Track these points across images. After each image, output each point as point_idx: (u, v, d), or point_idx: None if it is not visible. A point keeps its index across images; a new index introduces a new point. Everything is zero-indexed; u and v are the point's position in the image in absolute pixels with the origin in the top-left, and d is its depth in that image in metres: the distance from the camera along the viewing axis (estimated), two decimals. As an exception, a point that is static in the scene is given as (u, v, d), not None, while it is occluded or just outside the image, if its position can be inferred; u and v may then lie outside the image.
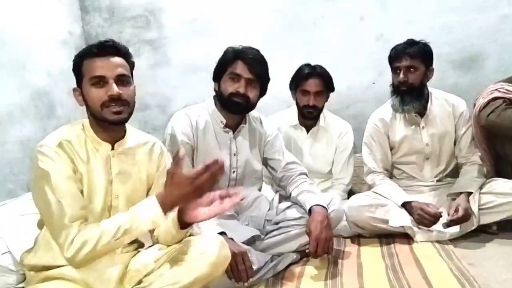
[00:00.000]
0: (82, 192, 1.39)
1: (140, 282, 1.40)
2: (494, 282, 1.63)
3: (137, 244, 1.54)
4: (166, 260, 1.42)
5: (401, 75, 2.25)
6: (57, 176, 1.33)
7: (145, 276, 1.40)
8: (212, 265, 1.39)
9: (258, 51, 1.97)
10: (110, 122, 1.40)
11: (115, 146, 1.48)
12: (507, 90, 2.18)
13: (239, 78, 1.90)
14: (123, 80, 1.42)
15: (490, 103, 2.17)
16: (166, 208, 1.32)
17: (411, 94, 2.28)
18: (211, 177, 1.28)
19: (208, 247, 1.41)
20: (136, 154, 1.53)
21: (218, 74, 1.97)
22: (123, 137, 1.51)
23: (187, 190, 1.29)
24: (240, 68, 1.90)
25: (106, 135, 1.46)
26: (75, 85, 1.48)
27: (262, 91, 2.01)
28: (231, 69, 1.92)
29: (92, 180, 1.42)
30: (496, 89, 2.21)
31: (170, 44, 3.27)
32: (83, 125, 1.46)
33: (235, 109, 1.96)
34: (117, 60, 1.42)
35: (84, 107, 1.47)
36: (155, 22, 3.28)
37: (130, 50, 3.41)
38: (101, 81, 1.38)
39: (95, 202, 1.41)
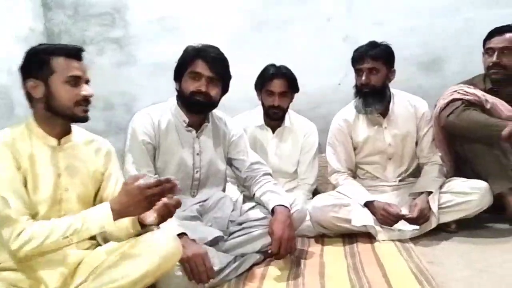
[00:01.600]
0: (26, 187, 1.42)
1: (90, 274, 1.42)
2: (452, 280, 1.66)
3: (93, 242, 1.57)
4: (117, 254, 1.43)
5: (363, 77, 2.28)
6: (1, 174, 1.36)
7: (95, 268, 1.42)
8: (162, 258, 1.41)
9: (218, 49, 1.97)
10: (78, 119, 1.50)
11: (62, 141, 1.53)
12: (466, 91, 2.23)
13: (200, 76, 1.91)
14: (88, 84, 1.53)
15: (449, 104, 2.22)
16: (116, 215, 1.35)
17: (373, 96, 2.31)
18: (161, 193, 1.33)
19: (158, 241, 1.45)
20: (82, 150, 1.58)
21: (179, 74, 1.97)
22: (69, 133, 1.56)
23: (137, 200, 1.32)
24: (200, 66, 1.91)
25: (53, 131, 1.51)
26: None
27: (224, 89, 2.01)
28: (192, 68, 1.92)
29: (38, 174, 1.44)
30: (455, 91, 2.26)
31: (136, 43, 3.23)
32: (25, 125, 1.50)
33: (197, 107, 1.95)
34: (85, 65, 1.53)
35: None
36: (121, 20, 3.23)
37: (95, 48, 3.36)
38: (76, 81, 1.47)
39: (42, 195, 1.44)
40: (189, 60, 1.92)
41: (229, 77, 2.00)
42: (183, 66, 1.94)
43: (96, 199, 1.61)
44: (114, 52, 3.24)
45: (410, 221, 2.14)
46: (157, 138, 1.96)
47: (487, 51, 2.31)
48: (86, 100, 1.49)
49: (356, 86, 2.36)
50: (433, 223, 2.16)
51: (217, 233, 1.87)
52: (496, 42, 2.27)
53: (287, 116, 2.60)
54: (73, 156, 1.54)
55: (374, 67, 2.27)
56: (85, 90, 1.48)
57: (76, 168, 1.54)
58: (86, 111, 1.50)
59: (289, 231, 1.83)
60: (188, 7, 3.17)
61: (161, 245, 1.43)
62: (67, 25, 3.25)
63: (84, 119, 1.51)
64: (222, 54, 1.96)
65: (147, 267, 1.38)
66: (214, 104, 1.98)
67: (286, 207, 1.90)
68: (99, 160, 1.62)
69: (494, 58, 2.26)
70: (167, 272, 1.51)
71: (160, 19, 3.19)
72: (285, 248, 1.81)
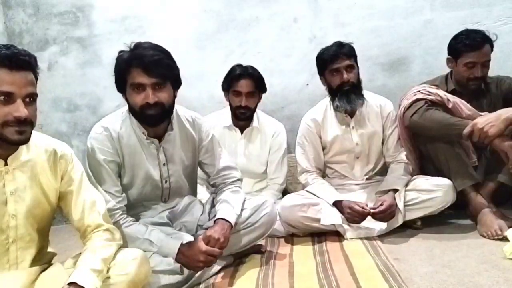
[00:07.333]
0: None
1: None
2: (416, 276, 1.70)
3: (47, 259, 1.48)
4: None
5: (345, 75, 2.31)
6: None
7: None
8: (130, 283, 1.37)
9: (153, 47, 1.73)
10: (11, 142, 1.27)
11: (9, 161, 1.34)
12: (429, 92, 2.28)
13: (143, 87, 1.71)
14: (31, 98, 1.28)
15: (413, 104, 2.27)
16: None
17: (355, 92, 2.34)
18: None
19: (128, 265, 1.39)
20: (34, 164, 1.39)
21: (121, 86, 1.78)
22: (16, 150, 1.37)
23: None
24: (139, 76, 1.69)
25: None
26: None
27: (176, 85, 1.82)
28: (131, 80, 1.72)
29: None
30: (419, 91, 2.30)
31: (101, 43, 3.17)
32: None
33: (152, 121, 1.79)
34: (29, 76, 1.26)
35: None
36: (84, 19, 3.16)
37: (58, 48, 3.25)
38: (7, 97, 1.22)
39: None
40: (125, 71, 1.72)
41: (175, 72, 1.79)
42: (121, 78, 1.75)
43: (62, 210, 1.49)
44: (78, 52, 3.17)
45: (378, 218, 2.18)
46: (120, 154, 1.82)
47: (467, 64, 2.30)
48: (18, 122, 1.23)
49: (330, 87, 2.38)
50: (399, 220, 2.21)
51: (189, 238, 1.83)
52: (478, 56, 2.28)
53: (255, 116, 2.61)
54: (22, 175, 1.36)
55: (351, 64, 2.32)
56: (18, 110, 1.21)
57: (26, 189, 1.36)
58: (20, 132, 1.25)
59: (220, 244, 1.78)
60: (153, 6, 3.13)
61: (131, 270, 1.38)
62: (28, 24, 3.16)
63: (17, 142, 1.28)
64: (158, 52, 1.72)
65: None
66: (169, 109, 1.79)
67: (227, 221, 1.85)
68: (55, 171, 1.44)
69: (479, 74, 2.29)
70: None
71: (124, 19, 3.14)
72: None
